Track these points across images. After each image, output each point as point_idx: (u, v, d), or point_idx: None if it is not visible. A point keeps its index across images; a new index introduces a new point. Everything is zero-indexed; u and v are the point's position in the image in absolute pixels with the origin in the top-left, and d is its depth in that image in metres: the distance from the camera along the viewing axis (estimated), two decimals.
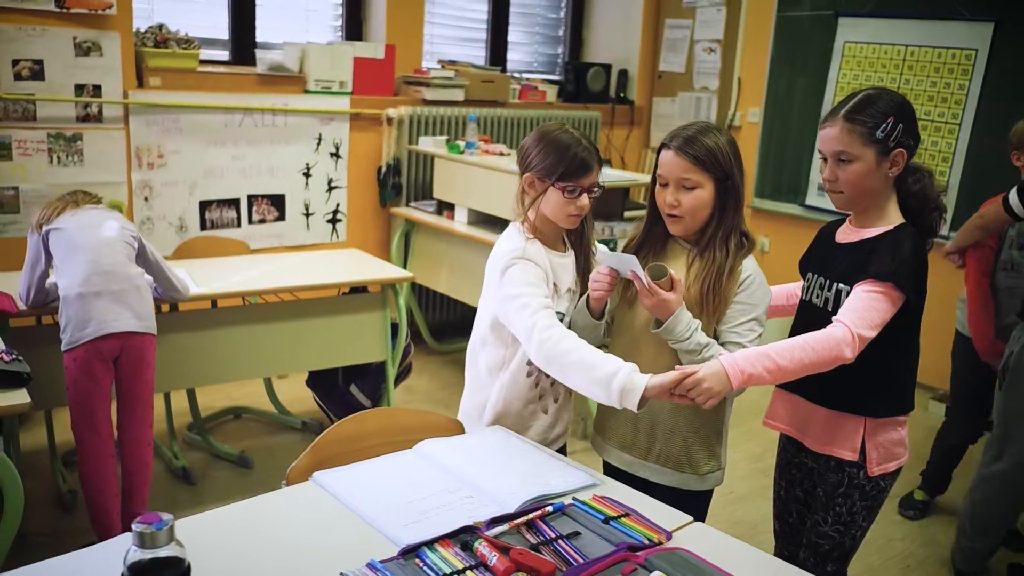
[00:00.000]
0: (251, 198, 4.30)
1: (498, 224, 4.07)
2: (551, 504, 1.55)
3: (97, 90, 3.74)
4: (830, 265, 1.94)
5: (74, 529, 2.80)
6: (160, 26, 3.92)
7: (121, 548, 1.05)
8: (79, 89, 3.70)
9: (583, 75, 5.47)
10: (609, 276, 1.86)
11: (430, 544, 1.40)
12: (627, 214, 4.05)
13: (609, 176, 3.96)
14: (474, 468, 1.68)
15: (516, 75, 5.37)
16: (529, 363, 1.95)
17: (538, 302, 1.81)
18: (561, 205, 1.90)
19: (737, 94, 5.33)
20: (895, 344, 1.85)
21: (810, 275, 2.00)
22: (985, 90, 4.20)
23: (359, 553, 1.36)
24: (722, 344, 1.85)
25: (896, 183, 1.88)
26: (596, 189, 1.93)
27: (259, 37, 4.47)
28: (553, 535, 1.45)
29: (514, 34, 5.57)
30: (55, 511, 2.94)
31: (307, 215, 4.49)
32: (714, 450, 1.96)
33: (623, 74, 5.68)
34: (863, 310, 1.75)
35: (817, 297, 1.96)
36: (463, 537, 1.43)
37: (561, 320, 1.91)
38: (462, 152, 4.24)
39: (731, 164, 1.84)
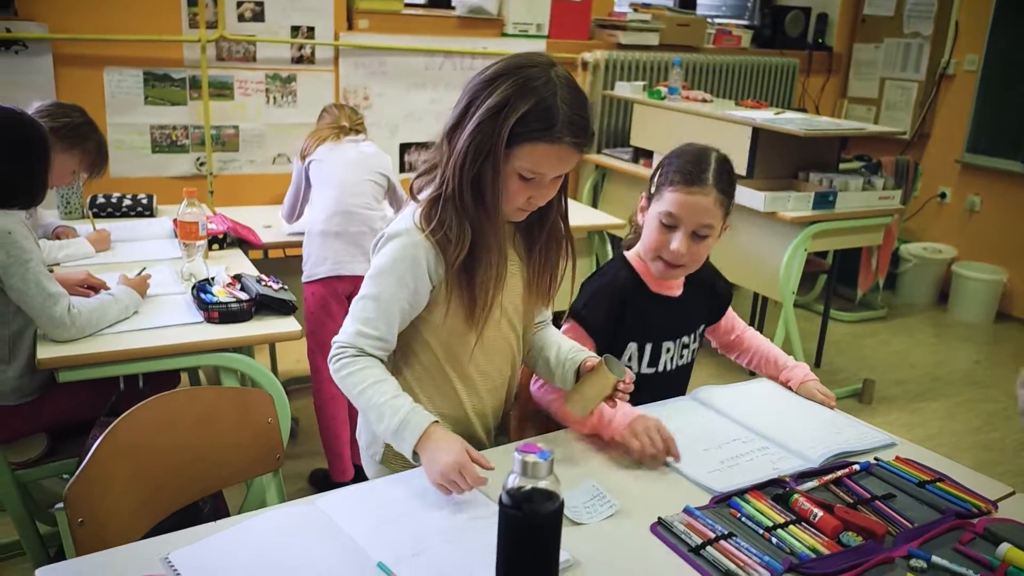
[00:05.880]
0: None
1: None
2: (857, 463, 1.46)
3: (311, 32, 3.82)
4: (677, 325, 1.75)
5: (297, 454, 2.91)
6: None
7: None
8: (294, 31, 3.79)
9: (780, 19, 5.18)
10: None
11: (741, 494, 1.34)
12: (842, 166, 3.83)
13: (820, 124, 3.72)
14: (760, 419, 1.62)
15: (708, 19, 5.15)
16: None
17: None
18: None
19: (953, 40, 4.91)
20: None
21: (667, 344, 1.74)
22: None
23: (675, 499, 1.34)
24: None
25: None
26: None
27: None
28: (868, 495, 1.37)
29: None
30: None
31: None
32: None
33: (822, 18, 5.34)
34: None
35: (681, 358, 1.78)
36: (772, 490, 1.36)
37: None
38: (663, 98, 4.10)
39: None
